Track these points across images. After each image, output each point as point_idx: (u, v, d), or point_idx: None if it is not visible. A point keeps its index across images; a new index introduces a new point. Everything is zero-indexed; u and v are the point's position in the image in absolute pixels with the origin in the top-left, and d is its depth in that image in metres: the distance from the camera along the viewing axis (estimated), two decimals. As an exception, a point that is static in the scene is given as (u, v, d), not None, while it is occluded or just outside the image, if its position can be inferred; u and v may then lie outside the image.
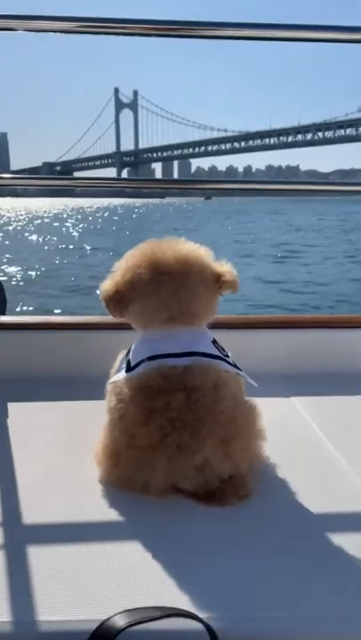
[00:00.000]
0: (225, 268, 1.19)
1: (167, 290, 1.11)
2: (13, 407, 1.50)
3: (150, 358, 1.10)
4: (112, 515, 1.02)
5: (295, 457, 1.24)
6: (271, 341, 1.80)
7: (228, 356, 1.18)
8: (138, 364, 1.11)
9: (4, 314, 1.86)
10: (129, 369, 1.13)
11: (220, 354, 1.15)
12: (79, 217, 61.62)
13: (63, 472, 1.16)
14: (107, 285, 1.17)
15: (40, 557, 0.90)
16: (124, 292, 1.14)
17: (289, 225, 41.67)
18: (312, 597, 0.82)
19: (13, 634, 0.76)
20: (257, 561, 0.90)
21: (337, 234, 33.29)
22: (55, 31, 1.52)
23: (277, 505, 1.07)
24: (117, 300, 1.15)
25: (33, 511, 1.02)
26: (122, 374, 1.14)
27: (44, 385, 1.63)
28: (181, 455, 1.03)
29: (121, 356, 1.22)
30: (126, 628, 0.68)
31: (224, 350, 1.19)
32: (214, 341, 1.19)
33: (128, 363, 1.15)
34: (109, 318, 1.44)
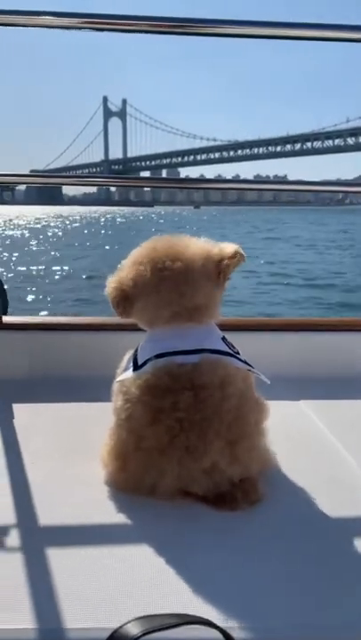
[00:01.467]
0: (225, 250, 1.15)
1: (167, 285, 1.10)
2: (17, 408, 1.47)
3: (159, 356, 1.07)
4: (120, 519, 1.00)
5: (305, 461, 1.22)
6: (279, 344, 1.79)
7: (238, 353, 1.15)
8: (145, 363, 1.09)
9: (5, 314, 1.84)
10: (136, 368, 1.11)
11: (230, 350, 1.13)
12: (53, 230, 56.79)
13: (68, 474, 1.13)
14: (111, 284, 1.16)
15: (45, 562, 0.87)
16: (128, 289, 1.13)
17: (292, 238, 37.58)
18: (331, 605, 0.80)
19: None
20: (272, 567, 0.88)
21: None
22: (55, 27, 1.52)
23: (289, 510, 1.05)
24: (122, 298, 1.14)
25: (37, 514, 1.00)
26: (129, 373, 1.11)
27: (47, 386, 1.62)
28: (190, 458, 1.01)
29: (128, 356, 1.20)
30: (141, 636, 0.65)
31: (234, 347, 1.16)
32: (224, 338, 1.16)
33: (135, 361, 1.13)
34: (114, 319, 1.38)
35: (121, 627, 0.67)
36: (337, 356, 1.79)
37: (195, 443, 1.00)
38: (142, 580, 0.84)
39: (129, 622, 0.67)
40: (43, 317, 1.84)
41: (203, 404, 1.02)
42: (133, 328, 1.21)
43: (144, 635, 0.65)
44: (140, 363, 1.11)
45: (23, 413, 1.45)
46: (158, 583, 0.83)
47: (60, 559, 0.88)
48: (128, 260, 1.16)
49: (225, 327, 1.22)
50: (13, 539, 0.94)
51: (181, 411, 1.01)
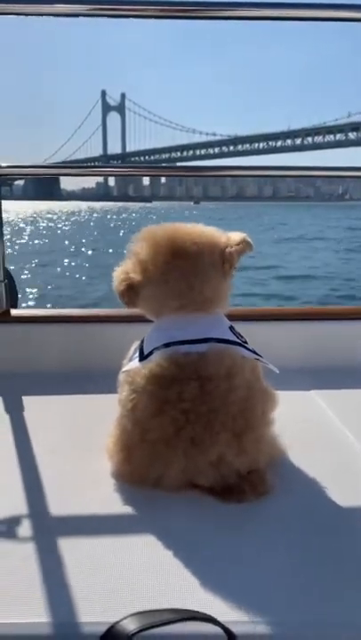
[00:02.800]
0: (232, 238, 1.13)
1: (176, 276, 1.08)
2: (26, 401, 1.48)
3: (165, 345, 1.06)
4: (123, 511, 0.99)
5: (316, 451, 1.21)
6: (290, 334, 1.77)
7: (246, 342, 1.14)
8: (151, 352, 1.08)
9: (15, 307, 1.86)
10: (142, 357, 1.09)
11: (237, 339, 1.11)
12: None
13: (75, 466, 1.13)
14: (118, 273, 1.15)
15: (49, 555, 0.87)
16: (134, 278, 1.12)
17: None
18: (337, 601, 0.78)
19: (16, 636, 0.73)
20: (279, 561, 0.86)
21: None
22: (59, 15, 1.51)
23: (298, 501, 1.03)
24: (127, 288, 1.12)
25: (44, 507, 1.00)
26: (134, 363, 1.10)
27: (55, 378, 1.62)
28: (196, 450, 1.00)
29: (134, 346, 1.19)
30: (138, 632, 0.63)
31: (242, 337, 1.15)
32: (232, 328, 1.14)
33: (141, 351, 1.12)
34: (122, 311, 1.37)
35: (118, 622, 0.65)
36: (349, 346, 1.77)
37: (201, 434, 0.99)
38: (145, 573, 0.83)
39: (126, 618, 0.66)
40: (51, 310, 1.82)
41: (209, 395, 1.00)
42: (141, 319, 1.21)
43: (141, 631, 0.63)
44: (145, 352, 1.10)
45: (33, 406, 1.45)
46: (162, 576, 0.82)
47: (64, 552, 0.88)
48: (133, 248, 1.15)
49: (234, 317, 1.22)
50: (19, 532, 0.94)
51: (187, 401, 1.00)
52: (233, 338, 1.10)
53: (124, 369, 1.14)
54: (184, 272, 1.08)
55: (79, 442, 1.24)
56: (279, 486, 1.05)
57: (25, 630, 0.73)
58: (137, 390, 1.04)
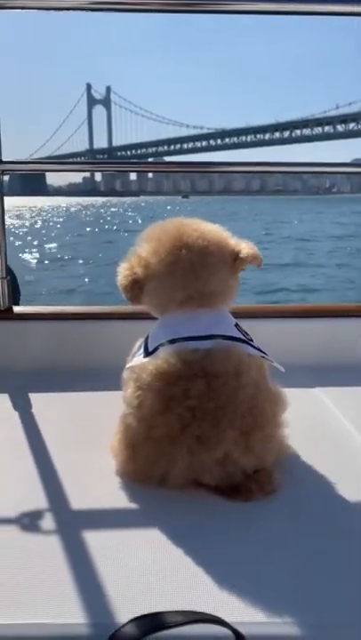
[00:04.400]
0: (244, 244, 1.15)
1: (183, 267, 1.08)
2: (31, 398, 1.48)
3: (171, 342, 1.05)
4: (128, 509, 0.99)
5: (321, 449, 1.20)
6: (295, 331, 1.77)
7: (251, 340, 1.13)
8: (157, 349, 1.07)
9: (17, 304, 1.85)
10: (147, 354, 1.09)
11: (243, 337, 1.11)
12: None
13: (79, 464, 1.13)
14: (122, 269, 1.14)
15: (47, 555, 0.86)
16: (138, 272, 1.11)
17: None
18: (347, 601, 0.77)
19: (15, 638, 0.71)
20: (285, 560, 0.85)
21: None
22: (54, 9, 1.49)
23: (305, 500, 1.03)
24: (132, 283, 1.11)
25: (45, 504, 0.99)
26: (140, 359, 1.10)
27: (58, 375, 1.62)
28: (202, 447, 0.98)
29: (138, 343, 1.18)
30: (144, 635, 0.62)
31: (247, 334, 1.14)
32: (237, 325, 1.14)
33: (146, 347, 1.11)
34: (125, 308, 1.38)
35: (123, 625, 0.64)
36: (353, 343, 1.76)
37: (207, 432, 0.98)
38: (150, 572, 0.82)
39: (131, 621, 0.64)
40: (54, 307, 1.83)
41: (216, 392, 0.99)
42: (145, 316, 1.21)
43: (147, 634, 0.62)
44: (150, 349, 1.09)
45: (37, 403, 1.45)
46: (167, 576, 0.81)
47: (67, 551, 0.87)
48: (139, 242, 1.15)
49: (239, 314, 1.22)
50: (20, 530, 0.93)
51: (193, 399, 0.98)
52: (238, 335, 1.10)
53: (128, 365, 1.13)
54: (192, 263, 1.08)
55: (83, 439, 1.24)
56: (285, 485, 1.04)
57: (24, 632, 0.72)
58: (142, 387, 1.03)
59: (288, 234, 30.84)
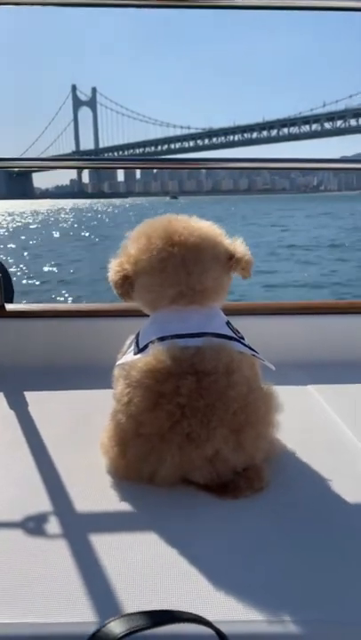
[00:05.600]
0: (240, 247, 1.15)
1: (175, 262, 1.07)
2: (20, 396, 1.48)
3: (161, 339, 1.05)
4: (117, 508, 0.98)
5: (313, 446, 1.20)
6: (287, 328, 1.77)
7: (242, 338, 1.13)
8: (147, 346, 1.07)
9: (11, 302, 1.86)
10: (138, 351, 1.09)
11: (234, 335, 1.11)
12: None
13: (69, 462, 1.13)
14: (113, 265, 1.14)
15: (36, 554, 0.85)
16: (129, 268, 1.11)
17: None
18: (333, 598, 0.76)
19: (3, 637, 0.71)
20: (273, 558, 0.85)
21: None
22: (54, 4, 1.50)
23: (295, 496, 1.02)
24: (123, 279, 1.12)
25: (36, 503, 0.99)
26: (130, 356, 1.10)
27: (52, 373, 1.62)
28: (191, 445, 0.98)
29: (129, 340, 1.18)
30: (125, 636, 0.61)
31: (239, 332, 1.14)
32: (228, 323, 1.14)
33: (137, 344, 1.11)
34: (117, 305, 1.38)
35: (103, 625, 0.64)
36: (346, 340, 1.76)
37: (197, 429, 0.97)
38: (138, 571, 0.81)
39: (112, 620, 0.64)
40: (47, 305, 1.83)
41: (206, 390, 0.99)
42: (136, 314, 1.21)
43: (128, 635, 0.62)
44: (141, 346, 1.09)
45: (31, 401, 1.45)
46: (155, 575, 0.81)
47: (56, 550, 0.87)
48: (130, 240, 1.15)
49: (230, 311, 1.21)
50: (10, 529, 0.93)
51: (183, 396, 0.98)
52: (229, 333, 1.10)
53: (118, 362, 1.13)
54: (183, 259, 1.07)
55: (77, 437, 1.24)
56: (275, 481, 1.04)
57: (12, 630, 0.72)
58: (132, 384, 1.03)
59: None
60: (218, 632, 0.65)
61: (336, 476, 1.08)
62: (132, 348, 1.12)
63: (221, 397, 0.99)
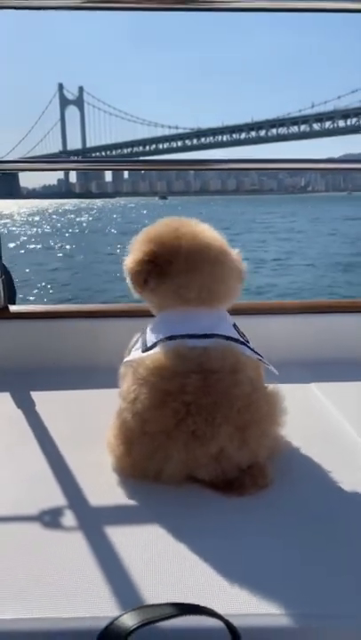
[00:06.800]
0: (237, 253, 1.20)
1: (204, 268, 1.10)
2: (24, 396, 1.49)
3: (170, 338, 1.07)
4: (124, 505, 1.00)
5: (316, 444, 1.21)
6: (290, 327, 1.78)
7: (248, 342, 1.15)
8: (155, 344, 1.08)
9: (13, 303, 1.87)
10: (146, 349, 1.10)
11: (240, 338, 1.13)
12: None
13: (74, 461, 1.14)
14: (140, 254, 1.12)
15: (44, 550, 0.87)
16: (162, 263, 1.10)
17: None
18: (339, 593, 0.78)
19: (12, 632, 0.72)
20: (280, 553, 0.86)
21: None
22: (54, 8, 1.49)
23: (299, 494, 1.03)
24: (153, 272, 1.10)
25: (43, 501, 1.00)
26: (137, 354, 1.11)
27: (54, 374, 1.64)
28: (197, 442, 0.99)
29: (135, 339, 1.20)
30: (138, 628, 0.62)
31: (244, 335, 1.16)
32: (235, 325, 1.17)
33: (144, 342, 1.12)
34: (119, 306, 1.41)
35: (117, 618, 0.64)
36: (348, 338, 1.78)
37: (202, 427, 0.99)
38: (146, 567, 0.82)
39: (125, 613, 0.65)
40: (49, 306, 1.85)
41: (212, 388, 1.00)
42: (140, 314, 1.22)
43: (141, 627, 0.63)
44: (149, 344, 1.10)
45: (35, 402, 1.46)
46: (163, 571, 0.82)
47: (63, 547, 0.88)
48: (150, 237, 1.14)
49: (235, 311, 1.22)
50: (17, 525, 0.94)
51: (189, 394, 1.00)
52: (237, 336, 1.12)
53: (125, 360, 1.14)
54: (213, 265, 1.11)
55: (80, 437, 1.24)
56: (279, 479, 1.05)
57: (22, 626, 0.72)
58: (139, 381, 1.04)
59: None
60: (228, 625, 0.65)
61: (339, 473, 1.09)
62: (139, 345, 1.13)
63: (226, 395, 1.00)
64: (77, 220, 61.90)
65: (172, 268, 1.10)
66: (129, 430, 1.05)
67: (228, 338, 1.09)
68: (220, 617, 0.66)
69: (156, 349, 1.07)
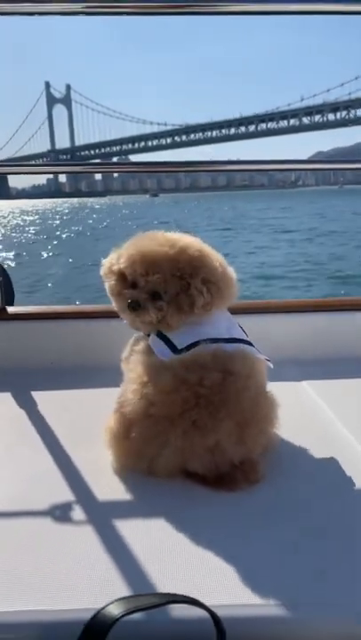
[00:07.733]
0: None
1: (230, 280, 1.20)
2: (22, 396, 1.50)
3: (213, 341, 1.12)
4: (119, 499, 1.02)
5: (308, 441, 1.23)
6: (281, 325, 1.81)
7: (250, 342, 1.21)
8: (193, 345, 1.12)
9: (12, 304, 1.88)
10: (175, 351, 1.12)
11: (248, 339, 1.20)
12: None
13: (74, 460, 1.16)
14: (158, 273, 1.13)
15: (37, 544, 0.88)
16: (218, 279, 1.17)
17: None
18: (323, 583, 0.80)
19: (2, 624, 0.73)
20: (265, 547, 0.88)
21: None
22: (54, 13, 1.49)
23: (290, 489, 1.05)
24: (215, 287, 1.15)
25: (41, 499, 1.01)
26: (165, 353, 1.13)
27: (53, 373, 1.66)
28: (196, 432, 1.02)
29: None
30: (122, 616, 0.64)
31: (247, 335, 1.23)
32: (240, 326, 1.24)
33: (172, 346, 1.14)
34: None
35: (102, 608, 0.66)
36: (339, 336, 1.81)
37: (204, 419, 1.02)
38: (133, 560, 0.84)
39: (111, 603, 0.66)
40: (48, 307, 1.87)
41: (226, 387, 1.05)
42: None
43: (125, 615, 0.64)
44: (181, 346, 1.13)
45: (34, 402, 1.48)
46: (149, 564, 0.84)
47: (56, 541, 0.89)
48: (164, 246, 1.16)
49: (229, 310, 1.25)
50: (12, 521, 0.96)
51: (205, 387, 1.04)
52: (249, 339, 1.20)
53: (159, 357, 1.14)
54: (225, 272, 1.20)
55: (81, 434, 1.26)
56: (271, 474, 1.08)
57: (12, 618, 0.73)
58: (155, 365, 1.10)
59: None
60: (212, 614, 0.67)
61: (329, 468, 1.13)
62: (164, 348, 1.14)
63: (236, 396, 1.06)
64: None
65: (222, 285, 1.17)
66: (132, 412, 1.07)
67: (246, 342, 1.18)
68: (203, 606, 0.67)
69: (196, 350, 1.11)
